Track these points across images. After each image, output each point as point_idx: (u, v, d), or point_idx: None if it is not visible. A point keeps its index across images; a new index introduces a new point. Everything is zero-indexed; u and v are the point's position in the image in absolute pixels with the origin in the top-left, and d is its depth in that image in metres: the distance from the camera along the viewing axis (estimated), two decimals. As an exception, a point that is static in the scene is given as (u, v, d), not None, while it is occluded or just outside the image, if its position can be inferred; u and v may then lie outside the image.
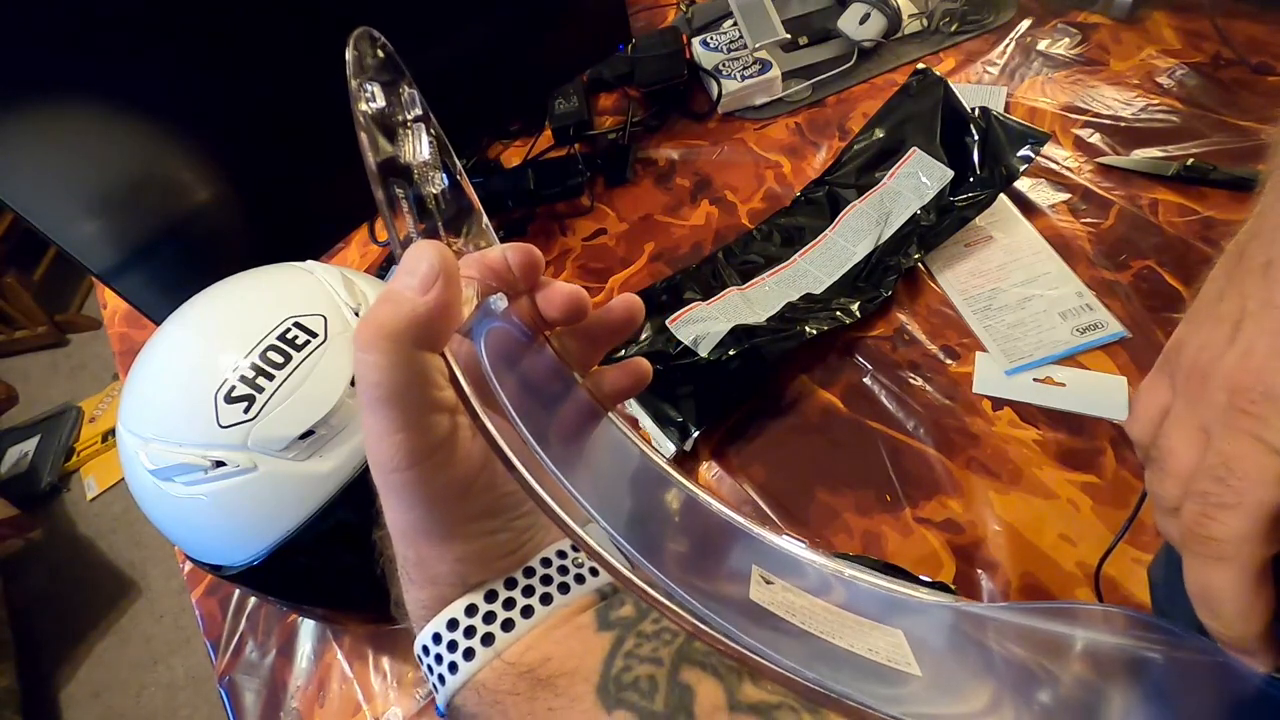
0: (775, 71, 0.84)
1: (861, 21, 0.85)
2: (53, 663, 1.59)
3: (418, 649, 0.21)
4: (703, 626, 0.18)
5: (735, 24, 0.87)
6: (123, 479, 0.59)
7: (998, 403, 0.58)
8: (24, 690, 1.49)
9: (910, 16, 0.87)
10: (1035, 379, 0.58)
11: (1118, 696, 0.21)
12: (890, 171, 0.72)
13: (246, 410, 0.40)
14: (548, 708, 0.19)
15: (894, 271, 0.65)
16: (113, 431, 1.71)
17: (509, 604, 0.20)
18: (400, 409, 0.19)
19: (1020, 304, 0.62)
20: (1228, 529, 0.21)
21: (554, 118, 0.84)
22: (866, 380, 0.62)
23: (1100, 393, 0.57)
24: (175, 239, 0.60)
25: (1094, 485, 0.53)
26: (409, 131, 0.23)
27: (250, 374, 0.41)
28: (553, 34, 0.77)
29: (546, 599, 0.21)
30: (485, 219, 0.25)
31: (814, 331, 0.61)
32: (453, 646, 0.20)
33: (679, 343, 0.62)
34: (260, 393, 0.40)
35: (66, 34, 0.47)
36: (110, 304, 0.90)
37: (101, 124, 0.52)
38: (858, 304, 0.64)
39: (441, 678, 0.20)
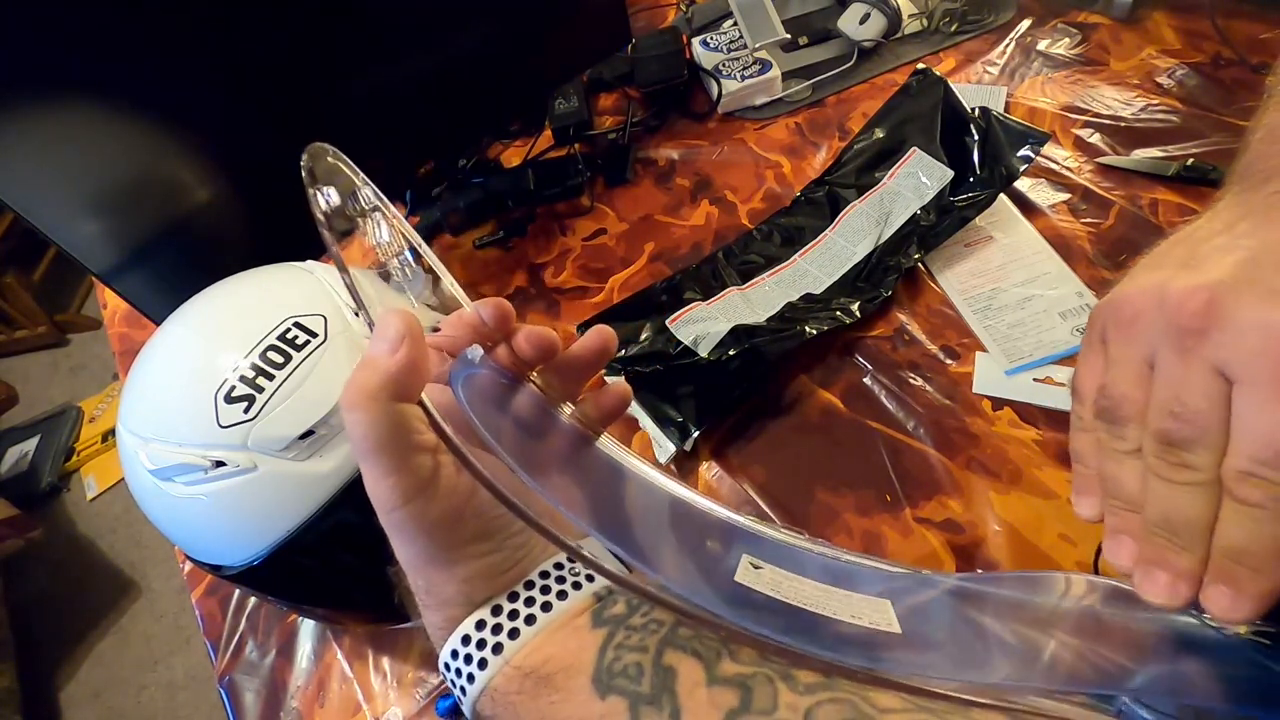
0: (775, 71, 0.84)
1: (861, 21, 0.85)
2: (53, 663, 1.59)
3: (441, 668, 0.24)
4: (688, 609, 0.21)
5: (735, 24, 0.87)
6: (123, 479, 0.59)
7: (998, 403, 0.58)
8: (24, 690, 1.49)
9: (910, 16, 0.87)
10: (1035, 379, 0.58)
11: (1087, 653, 0.23)
12: (890, 171, 0.72)
13: (246, 410, 0.40)
14: (549, 702, 0.21)
15: (894, 271, 0.65)
16: (113, 431, 1.71)
17: (513, 615, 0.23)
18: (388, 455, 0.22)
19: (1020, 304, 0.62)
20: (1196, 460, 0.22)
21: (554, 118, 0.84)
22: (866, 380, 0.62)
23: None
24: (175, 239, 0.60)
25: (1094, 485, 0.53)
26: (368, 222, 0.27)
27: (250, 374, 0.41)
28: (553, 34, 0.77)
29: (547, 606, 0.23)
30: (450, 280, 0.28)
31: (814, 331, 0.61)
32: (468, 659, 0.23)
33: (679, 343, 0.62)
34: (260, 393, 0.40)
35: (66, 34, 0.47)
36: (110, 304, 0.90)
37: (101, 124, 0.52)
38: (858, 304, 0.64)
39: (463, 689, 0.23)
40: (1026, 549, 0.51)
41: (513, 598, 0.23)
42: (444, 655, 0.24)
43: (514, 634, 0.22)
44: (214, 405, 0.40)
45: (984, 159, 0.68)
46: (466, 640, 0.23)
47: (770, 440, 0.60)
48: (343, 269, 0.25)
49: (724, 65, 0.85)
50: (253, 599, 0.61)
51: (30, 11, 0.45)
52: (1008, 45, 0.84)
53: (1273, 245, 0.23)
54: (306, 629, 0.59)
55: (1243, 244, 0.24)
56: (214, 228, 0.63)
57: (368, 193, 0.27)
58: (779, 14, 0.85)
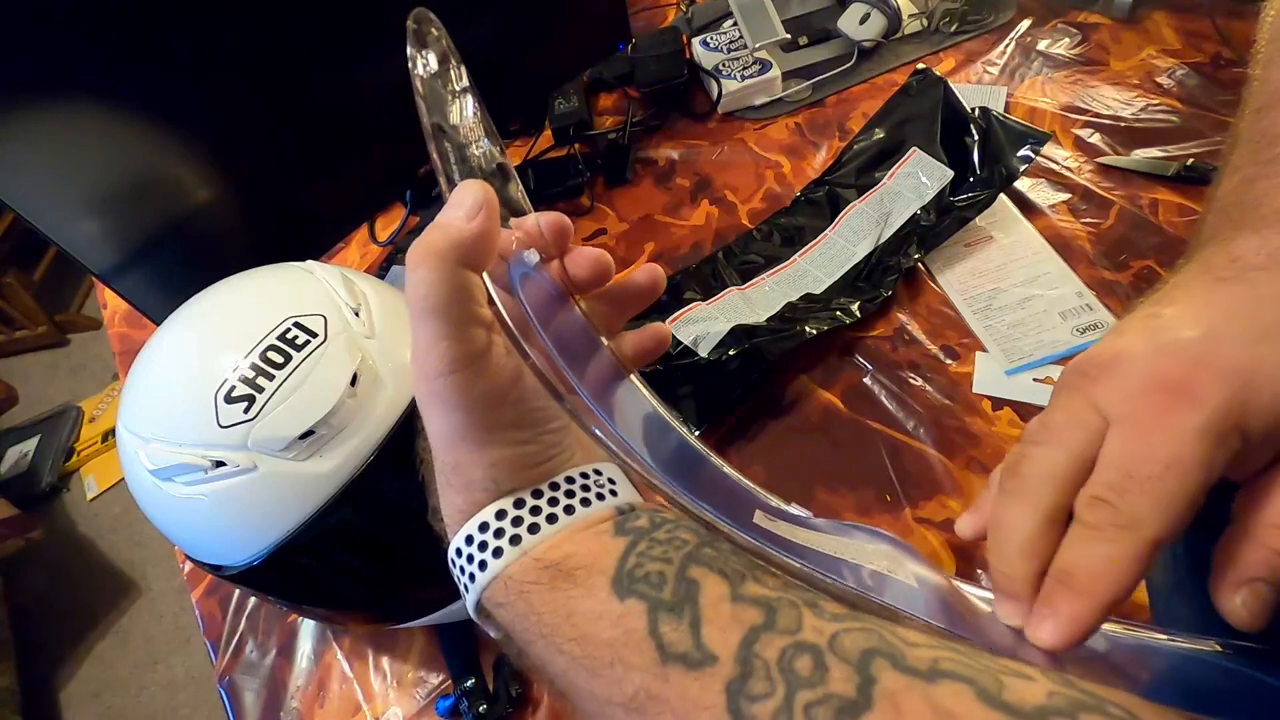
0: (775, 71, 0.84)
1: (861, 21, 0.85)
2: (53, 663, 1.59)
3: (451, 552, 0.24)
4: (719, 524, 0.22)
5: (735, 24, 0.87)
6: (123, 479, 0.59)
7: (998, 403, 0.58)
8: (24, 690, 1.49)
9: (910, 16, 0.87)
10: (1035, 379, 0.58)
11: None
12: (890, 171, 0.72)
13: (246, 410, 0.40)
14: (567, 595, 0.21)
15: (894, 271, 0.65)
16: (113, 431, 1.71)
17: (535, 511, 0.23)
18: (445, 319, 0.22)
19: (1020, 304, 0.62)
20: (1032, 466, 0.24)
21: (554, 118, 0.84)
22: (866, 380, 0.62)
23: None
24: (175, 239, 0.60)
25: (1094, 485, 0.53)
26: (457, 99, 0.27)
27: (250, 374, 0.41)
28: (553, 34, 0.77)
29: (569, 510, 0.23)
30: (520, 186, 0.28)
31: (814, 331, 0.61)
32: (483, 546, 0.22)
33: (679, 343, 0.62)
34: (260, 393, 0.40)
35: (67, 34, 0.47)
36: (110, 304, 0.90)
37: (101, 124, 0.52)
38: (858, 304, 0.64)
39: (472, 576, 0.23)
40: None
41: (537, 494, 0.23)
42: (458, 540, 0.23)
43: (534, 529, 0.22)
44: (214, 405, 0.40)
45: (984, 159, 0.68)
46: (484, 528, 0.23)
47: (770, 440, 0.60)
48: (431, 138, 0.25)
49: (724, 65, 0.85)
50: (253, 599, 0.61)
51: (31, 12, 0.45)
52: (1008, 45, 0.84)
53: (1187, 310, 0.24)
54: (306, 629, 0.59)
55: (1165, 312, 0.25)
56: (214, 228, 0.63)
57: (463, 71, 0.27)
58: (779, 14, 0.85)
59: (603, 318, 0.28)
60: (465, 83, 0.27)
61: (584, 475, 0.24)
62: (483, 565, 0.22)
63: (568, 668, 0.20)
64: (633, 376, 0.28)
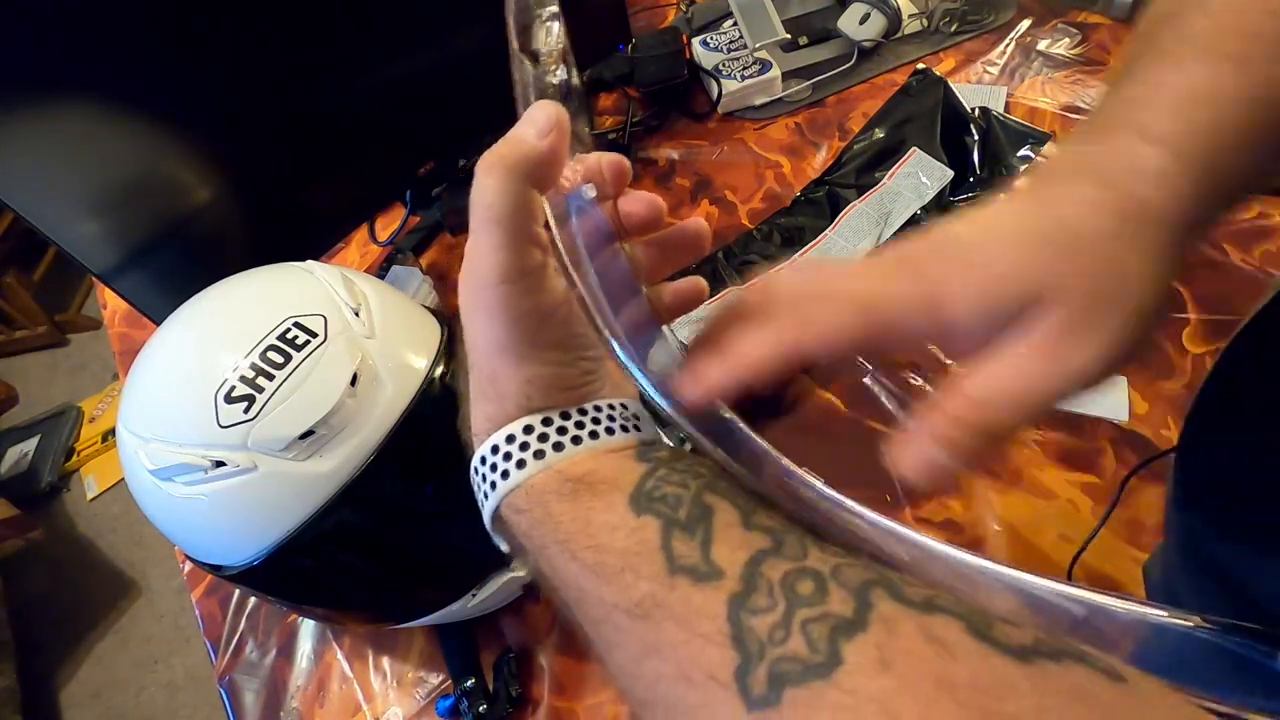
0: (775, 71, 0.84)
1: (861, 21, 0.85)
2: (53, 663, 1.59)
3: (475, 460, 0.24)
4: (735, 467, 0.23)
5: (735, 24, 0.87)
6: (123, 479, 0.59)
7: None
8: (24, 690, 1.49)
9: (910, 16, 0.86)
10: (1035, 379, 0.58)
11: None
12: (890, 171, 0.72)
13: (246, 410, 0.40)
14: (587, 506, 0.22)
15: (894, 271, 0.65)
16: (113, 431, 1.71)
17: (562, 430, 0.23)
18: (505, 230, 0.22)
19: (1020, 304, 0.62)
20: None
21: (554, 118, 0.84)
22: (866, 380, 0.62)
23: (1100, 393, 0.56)
24: (175, 239, 0.60)
25: (1094, 485, 0.53)
26: (544, 25, 0.27)
27: (250, 374, 0.41)
28: (553, 34, 0.77)
29: (594, 435, 0.23)
30: (588, 122, 0.28)
31: (814, 331, 0.61)
32: (508, 457, 0.23)
33: (679, 343, 0.62)
34: (260, 393, 0.40)
35: (66, 34, 0.47)
36: (110, 304, 0.90)
37: (101, 124, 0.52)
38: (858, 304, 0.64)
39: (494, 484, 0.23)
40: (1026, 549, 0.51)
41: (565, 415, 0.23)
42: (483, 450, 0.24)
43: (559, 447, 0.23)
44: (214, 405, 0.40)
45: (984, 159, 0.68)
46: (511, 439, 0.23)
47: (770, 440, 0.60)
48: (515, 56, 0.26)
49: (724, 65, 0.85)
50: (253, 599, 0.61)
51: (31, 12, 0.45)
52: (1008, 45, 0.84)
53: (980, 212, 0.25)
54: (306, 629, 0.59)
55: (969, 212, 0.25)
56: (214, 228, 0.63)
57: None
58: (779, 14, 0.85)
59: (647, 264, 0.28)
60: (554, 9, 0.27)
61: (611, 407, 0.25)
62: (505, 475, 0.23)
63: (579, 573, 0.21)
64: (665, 328, 0.28)
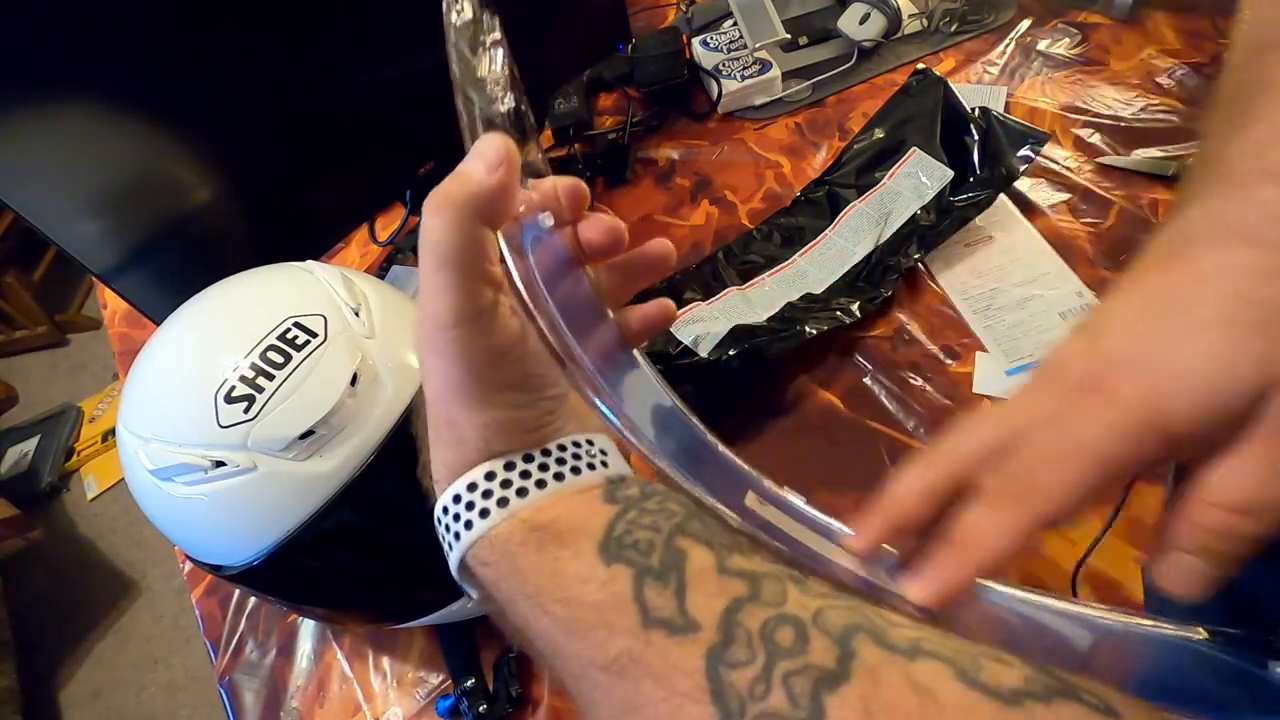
0: (775, 71, 0.84)
1: (861, 21, 0.85)
2: (53, 663, 1.59)
3: (438, 510, 0.23)
4: (707, 499, 0.22)
5: (735, 24, 0.87)
6: (123, 479, 0.59)
7: (998, 403, 0.58)
8: (24, 690, 1.49)
9: (910, 16, 0.86)
10: (1035, 379, 0.58)
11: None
12: (890, 171, 0.72)
13: (246, 410, 0.40)
14: (554, 557, 0.21)
15: (894, 271, 0.65)
16: (113, 431, 1.71)
17: (525, 475, 0.22)
18: (455, 271, 0.22)
19: (1020, 304, 0.62)
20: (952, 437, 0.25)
21: (554, 118, 0.84)
22: (866, 380, 0.62)
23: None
24: (175, 239, 0.60)
25: (1094, 485, 0.53)
26: (487, 52, 0.26)
27: (250, 374, 0.41)
28: (553, 34, 0.77)
29: (559, 476, 0.23)
30: (540, 147, 0.28)
31: (814, 331, 0.61)
32: (470, 506, 0.22)
33: (679, 343, 0.62)
34: (260, 393, 0.40)
35: (66, 34, 0.47)
36: (110, 304, 0.90)
37: (101, 124, 0.52)
38: (858, 304, 0.64)
39: (457, 534, 0.22)
40: (1027, 549, 0.51)
41: (528, 459, 0.23)
42: (445, 499, 0.23)
43: (522, 492, 0.22)
44: (214, 405, 0.40)
45: (984, 159, 0.68)
46: (473, 487, 0.22)
47: (770, 440, 0.60)
48: (459, 88, 0.26)
49: (724, 65, 0.85)
50: (253, 599, 0.61)
51: (31, 12, 0.45)
52: (1008, 45, 0.84)
53: (1128, 302, 0.24)
54: (306, 629, 0.59)
55: (1110, 304, 0.25)
56: (214, 228, 0.63)
57: (496, 23, 0.27)
58: (779, 14, 0.85)
59: (611, 288, 0.28)
60: (497, 35, 0.27)
61: (576, 444, 0.24)
62: (469, 525, 0.22)
63: (551, 628, 0.20)
64: (635, 351, 0.27)
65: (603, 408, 0.23)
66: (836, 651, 0.17)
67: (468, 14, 0.26)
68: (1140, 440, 0.21)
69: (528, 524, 0.22)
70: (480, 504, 0.22)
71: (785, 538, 0.23)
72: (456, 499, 0.23)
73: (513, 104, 0.26)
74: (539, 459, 0.23)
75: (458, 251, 0.22)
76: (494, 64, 0.26)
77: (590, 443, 0.24)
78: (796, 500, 0.26)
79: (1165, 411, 0.21)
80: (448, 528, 0.23)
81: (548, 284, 0.24)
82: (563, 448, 0.23)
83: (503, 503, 0.22)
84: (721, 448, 0.27)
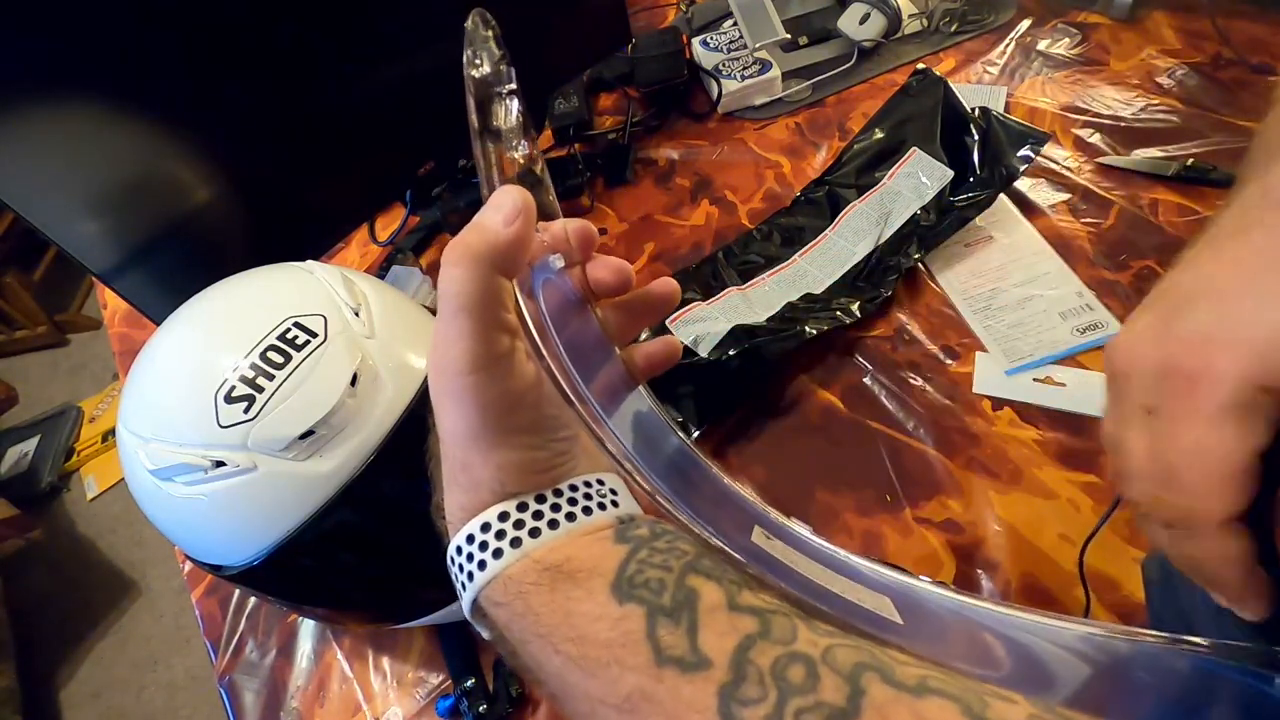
0: (775, 71, 0.84)
1: (861, 21, 0.85)
2: (53, 663, 1.59)
3: (451, 550, 0.24)
4: (714, 541, 0.23)
5: (735, 24, 0.87)
6: (123, 479, 0.59)
7: (998, 403, 0.58)
8: (24, 690, 1.49)
9: (910, 16, 0.87)
10: (1035, 379, 0.58)
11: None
12: (890, 171, 0.72)
13: (246, 410, 0.40)
14: (567, 596, 0.21)
15: (894, 271, 0.65)
16: (113, 431, 1.71)
17: (538, 515, 0.23)
18: (473, 319, 0.22)
19: (1020, 304, 0.62)
20: (1189, 521, 0.23)
21: (554, 118, 0.84)
22: (866, 380, 0.62)
23: (1100, 393, 0.56)
24: (175, 239, 0.60)
25: (1094, 485, 0.53)
26: (504, 102, 0.27)
27: (250, 374, 0.41)
28: (552, 34, 0.77)
29: (571, 516, 0.23)
30: (552, 191, 0.28)
31: (814, 331, 0.61)
32: (484, 546, 0.23)
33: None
34: (260, 393, 0.40)
35: (66, 34, 0.47)
36: (110, 304, 0.90)
37: (102, 124, 0.52)
38: (858, 304, 0.64)
39: (471, 574, 0.23)
40: (1027, 549, 0.51)
41: (540, 499, 0.23)
42: (458, 539, 0.23)
43: (535, 533, 0.23)
44: (214, 405, 0.40)
45: (984, 159, 0.68)
46: (486, 528, 0.23)
47: (770, 440, 0.60)
48: (477, 136, 0.27)
49: (724, 65, 0.85)
50: (253, 599, 0.61)
51: (31, 12, 0.45)
52: (1008, 45, 0.84)
53: (1205, 273, 0.24)
54: (306, 629, 0.59)
55: (1183, 280, 0.25)
56: (214, 228, 0.63)
57: (512, 73, 0.28)
58: (779, 14, 0.85)
59: (617, 327, 0.28)
60: (513, 85, 0.28)
61: (587, 484, 0.24)
62: (482, 565, 0.22)
63: (563, 667, 0.21)
64: (641, 388, 0.28)
65: (609, 447, 0.24)
66: (847, 689, 0.17)
67: (486, 68, 0.27)
68: (1255, 408, 0.21)
69: (540, 564, 0.22)
70: (494, 544, 0.23)
71: (793, 575, 0.23)
72: (470, 539, 0.23)
73: (526, 150, 0.27)
74: (551, 499, 0.23)
75: (476, 300, 0.22)
76: (509, 114, 0.27)
77: (601, 482, 0.25)
78: (803, 530, 0.27)
79: (1273, 373, 0.21)
80: (461, 568, 0.23)
81: (556, 324, 0.25)
82: (574, 488, 0.24)
83: (516, 543, 0.22)
84: (727, 480, 0.27)
